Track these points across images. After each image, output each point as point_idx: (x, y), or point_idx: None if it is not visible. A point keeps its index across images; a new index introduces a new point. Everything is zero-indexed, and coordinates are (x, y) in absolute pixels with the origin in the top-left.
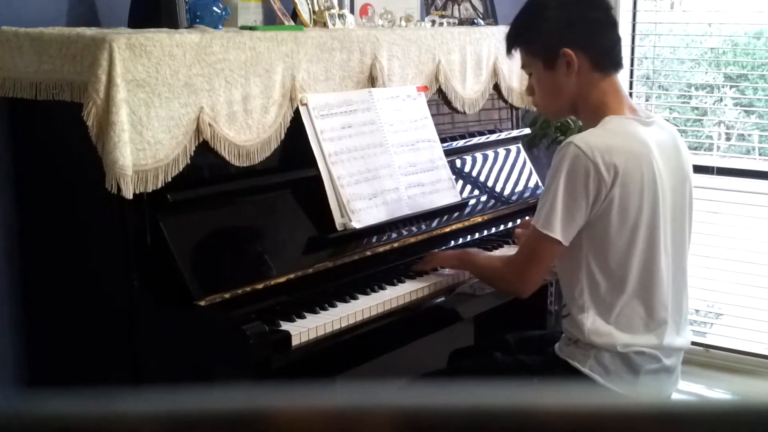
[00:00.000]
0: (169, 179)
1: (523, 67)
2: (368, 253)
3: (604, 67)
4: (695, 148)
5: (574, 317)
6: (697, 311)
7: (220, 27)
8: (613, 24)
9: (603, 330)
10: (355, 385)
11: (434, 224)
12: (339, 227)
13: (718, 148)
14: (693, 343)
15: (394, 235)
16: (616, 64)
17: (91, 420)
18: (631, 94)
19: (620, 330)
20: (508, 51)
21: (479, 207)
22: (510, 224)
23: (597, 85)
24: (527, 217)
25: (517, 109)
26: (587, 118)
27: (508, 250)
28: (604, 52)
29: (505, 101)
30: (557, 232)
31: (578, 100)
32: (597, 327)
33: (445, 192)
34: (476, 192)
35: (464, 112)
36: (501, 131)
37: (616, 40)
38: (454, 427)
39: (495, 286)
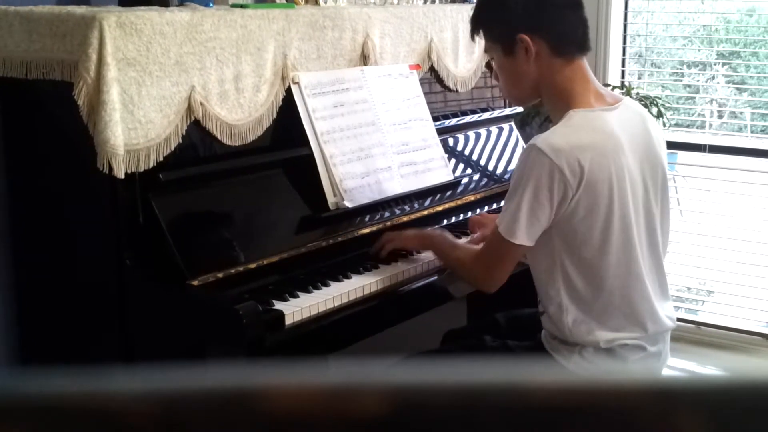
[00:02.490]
0: (161, 159)
1: (486, 51)
2: (361, 232)
3: (566, 51)
4: (687, 126)
5: (553, 316)
6: (688, 289)
7: (211, 5)
8: (575, 5)
9: (585, 328)
10: (347, 363)
11: (427, 203)
12: (331, 206)
13: (710, 125)
14: (685, 320)
15: (386, 214)
16: (581, 47)
17: (83, 398)
18: (623, 72)
19: (602, 325)
20: (471, 36)
21: (472, 185)
22: (503, 203)
23: (560, 70)
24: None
25: None
26: (552, 104)
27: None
28: (565, 37)
29: (497, 79)
30: (519, 239)
31: (541, 86)
32: (578, 325)
33: (438, 171)
34: (469, 170)
35: (456, 91)
36: (493, 109)
37: (580, 23)
38: (445, 403)
39: (461, 278)
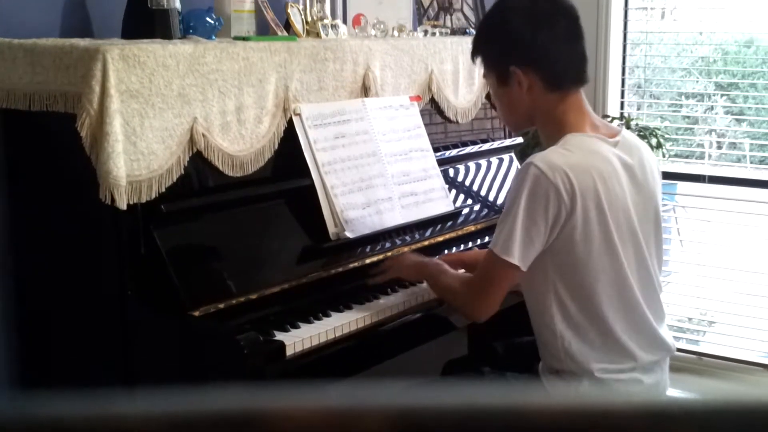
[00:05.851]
0: (163, 190)
1: (484, 77)
2: (362, 262)
3: (561, 85)
4: (686, 157)
5: (548, 344)
6: (689, 319)
7: (214, 37)
8: (573, 38)
9: (579, 356)
10: (348, 387)
11: (427, 233)
12: (332, 237)
13: (710, 156)
14: (686, 351)
15: (387, 245)
16: (577, 81)
17: (89, 421)
18: (622, 104)
19: (596, 352)
20: (472, 58)
21: (472, 216)
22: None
23: (554, 103)
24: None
25: None
26: (546, 133)
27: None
28: (559, 71)
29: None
30: (515, 258)
31: (535, 115)
32: (573, 352)
33: (438, 201)
34: (469, 201)
35: (457, 122)
36: (493, 140)
37: (575, 57)
38: (446, 425)
39: (452, 306)
